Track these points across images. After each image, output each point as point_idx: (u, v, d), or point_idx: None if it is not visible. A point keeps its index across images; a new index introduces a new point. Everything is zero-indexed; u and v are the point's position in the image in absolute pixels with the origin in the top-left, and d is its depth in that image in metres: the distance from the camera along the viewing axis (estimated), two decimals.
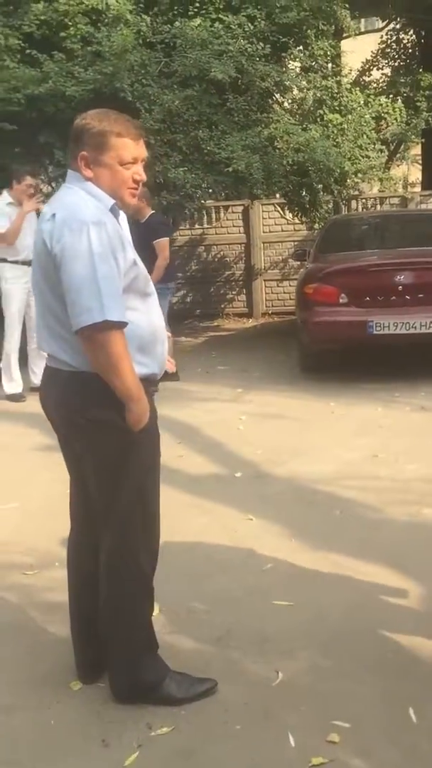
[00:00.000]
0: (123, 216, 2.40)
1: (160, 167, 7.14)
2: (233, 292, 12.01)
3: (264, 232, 11.71)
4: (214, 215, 11.85)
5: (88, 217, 2.13)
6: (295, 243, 11.32)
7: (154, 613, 2.87)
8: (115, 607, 2.37)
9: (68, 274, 2.09)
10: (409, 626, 2.73)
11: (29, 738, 2.27)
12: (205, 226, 11.88)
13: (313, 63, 8.55)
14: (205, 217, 11.80)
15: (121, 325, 2.11)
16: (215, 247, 11.94)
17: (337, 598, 2.96)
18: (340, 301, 6.56)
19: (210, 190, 7.96)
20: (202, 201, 8.35)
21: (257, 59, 7.69)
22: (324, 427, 5.36)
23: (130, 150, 2.23)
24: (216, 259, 12.00)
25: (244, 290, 11.91)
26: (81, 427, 2.26)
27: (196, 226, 11.85)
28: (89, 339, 2.11)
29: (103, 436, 2.24)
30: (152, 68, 7.34)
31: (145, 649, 2.41)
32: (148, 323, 2.28)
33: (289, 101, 9.01)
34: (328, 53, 8.94)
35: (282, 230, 11.65)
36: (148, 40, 7.51)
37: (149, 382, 2.31)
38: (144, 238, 6.05)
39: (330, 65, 9.62)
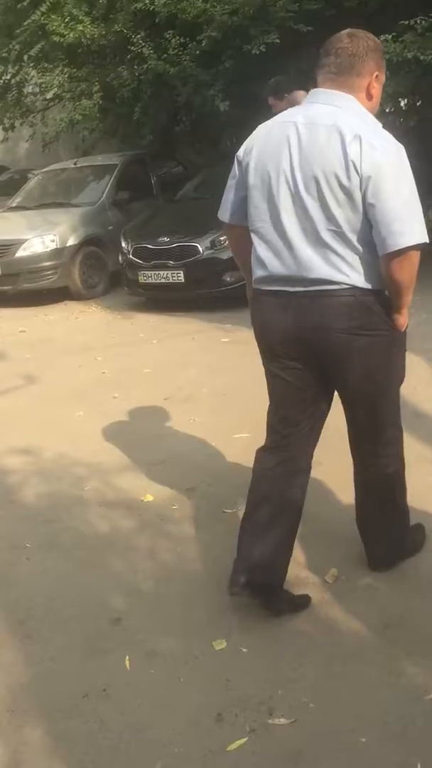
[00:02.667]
0: None
1: None
2: None
3: None
4: None
5: (395, 140, 2.18)
6: None
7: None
8: (391, 501, 2.59)
9: (388, 197, 2.10)
10: None
11: (156, 690, 2.24)
12: None
13: None
14: None
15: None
16: None
17: None
18: None
19: None
20: None
21: None
22: None
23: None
24: None
25: None
26: (357, 344, 2.27)
27: None
28: (405, 258, 2.15)
29: (380, 346, 2.31)
30: None
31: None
32: None
33: None
34: None
35: None
36: None
37: None
38: None
39: None
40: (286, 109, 5.54)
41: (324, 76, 2.27)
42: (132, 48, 7.87)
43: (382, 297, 2.28)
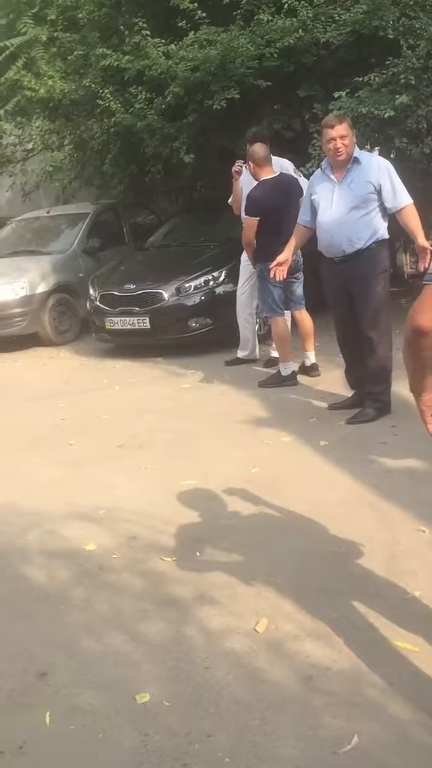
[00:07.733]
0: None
1: (424, 110, 6.35)
2: None
3: None
4: None
5: None
6: None
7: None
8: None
9: None
10: None
11: (73, 746, 2.20)
12: None
13: None
14: None
15: None
16: None
17: None
18: None
19: None
20: None
21: None
22: None
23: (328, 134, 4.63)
24: None
25: None
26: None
27: None
28: None
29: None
30: None
31: None
32: None
33: None
34: None
35: None
36: None
37: None
38: None
39: None
40: (254, 154, 5.62)
41: None
42: (100, 102, 8.07)
43: None
